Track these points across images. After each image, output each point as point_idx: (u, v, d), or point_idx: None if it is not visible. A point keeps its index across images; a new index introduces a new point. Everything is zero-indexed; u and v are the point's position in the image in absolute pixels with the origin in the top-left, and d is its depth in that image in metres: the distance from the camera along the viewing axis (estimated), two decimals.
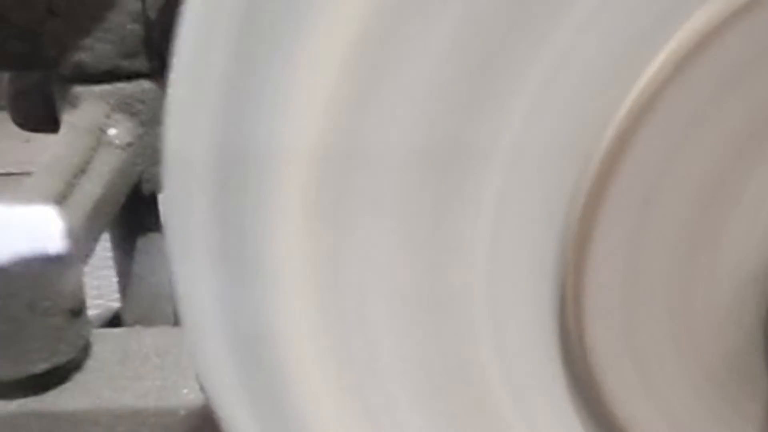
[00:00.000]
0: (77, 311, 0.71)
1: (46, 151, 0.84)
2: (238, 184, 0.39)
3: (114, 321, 1.04)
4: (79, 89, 0.87)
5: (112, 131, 0.85)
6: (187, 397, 0.70)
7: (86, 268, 0.80)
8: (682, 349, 0.44)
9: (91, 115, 0.85)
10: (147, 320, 0.93)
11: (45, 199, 0.74)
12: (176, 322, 0.45)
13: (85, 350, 0.73)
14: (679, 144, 0.40)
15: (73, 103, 0.87)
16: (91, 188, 0.78)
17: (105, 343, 0.74)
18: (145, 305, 0.95)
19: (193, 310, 0.42)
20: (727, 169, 0.41)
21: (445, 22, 0.37)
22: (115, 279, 1.00)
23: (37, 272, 0.67)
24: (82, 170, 0.79)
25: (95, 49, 0.87)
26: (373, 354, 0.43)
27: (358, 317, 0.41)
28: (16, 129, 0.99)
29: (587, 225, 0.41)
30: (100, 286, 1.48)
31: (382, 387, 0.43)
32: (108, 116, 0.85)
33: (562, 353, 0.44)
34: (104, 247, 0.95)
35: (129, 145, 0.86)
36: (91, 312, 1.20)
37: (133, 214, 0.92)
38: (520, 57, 0.38)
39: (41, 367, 0.70)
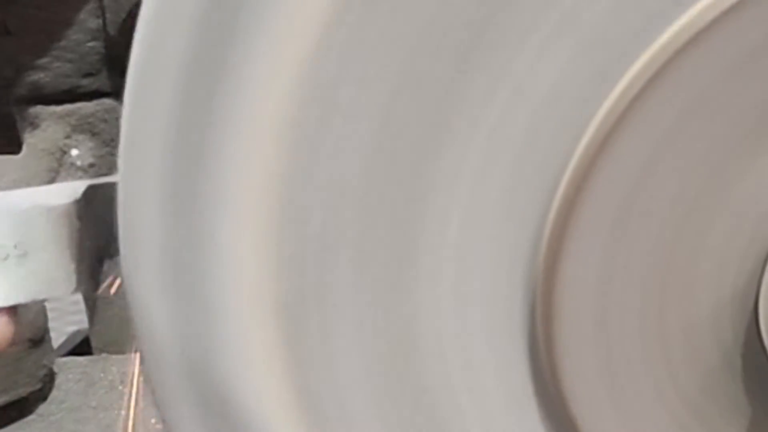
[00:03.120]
0: (38, 340, 0.69)
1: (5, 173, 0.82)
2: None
3: (83, 344, 1.02)
4: (38, 109, 0.85)
5: (73, 152, 0.83)
6: (155, 427, 0.68)
7: None
8: (657, 374, 0.43)
9: (52, 136, 0.82)
10: (115, 344, 0.91)
11: None
12: None
13: (48, 380, 0.71)
14: (650, 163, 0.39)
15: (33, 124, 0.85)
16: None
17: (69, 371, 0.72)
18: (113, 329, 0.93)
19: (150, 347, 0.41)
20: (703, 188, 0.39)
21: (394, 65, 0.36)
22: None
23: None
24: None
25: (53, 68, 0.85)
26: (341, 398, 0.41)
27: (324, 361, 0.40)
28: None
29: (556, 247, 0.40)
30: (76, 311, 1.46)
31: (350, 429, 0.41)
32: (69, 137, 0.83)
33: (534, 378, 0.43)
34: None
35: (91, 166, 0.84)
36: (65, 333, 1.19)
37: None
38: (481, 77, 0.37)
39: (2, 399, 0.68)
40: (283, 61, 0.36)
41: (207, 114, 0.37)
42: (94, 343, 0.96)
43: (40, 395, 0.72)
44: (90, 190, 0.40)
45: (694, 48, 0.37)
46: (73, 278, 0.40)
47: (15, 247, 0.39)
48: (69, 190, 0.39)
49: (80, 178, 0.83)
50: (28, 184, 0.81)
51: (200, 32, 0.36)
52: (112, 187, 0.40)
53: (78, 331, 1.13)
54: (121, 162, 0.39)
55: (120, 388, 0.71)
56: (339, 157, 0.38)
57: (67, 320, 1.47)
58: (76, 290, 0.41)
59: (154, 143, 0.38)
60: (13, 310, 0.41)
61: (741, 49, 0.37)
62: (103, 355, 0.80)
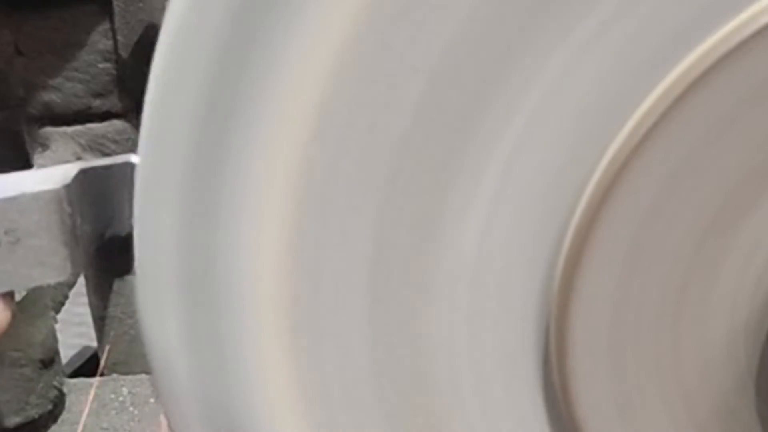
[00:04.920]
0: (48, 362, 0.69)
1: None
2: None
3: (92, 359, 1.02)
4: (49, 130, 0.85)
5: None
6: None
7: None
8: (670, 400, 0.43)
9: (61, 156, 0.83)
10: (124, 364, 0.91)
11: None
12: None
13: (58, 402, 0.71)
14: (666, 192, 0.39)
15: (43, 144, 0.85)
16: None
17: (79, 393, 0.72)
18: (122, 348, 0.93)
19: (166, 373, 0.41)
20: (717, 217, 0.39)
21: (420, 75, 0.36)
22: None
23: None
24: None
25: (65, 88, 0.85)
26: (351, 406, 0.41)
27: (340, 392, 0.40)
28: None
29: (571, 273, 0.40)
30: (81, 323, 1.46)
31: None
32: (79, 157, 0.83)
33: (546, 404, 0.43)
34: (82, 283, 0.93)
35: None
36: (70, 350, 1.19)
37: (107, 257, 0.89)
38: (500, 106, 0.37)
39: (13, 421, 0.68)
40: (306, 77, 0.36)
41: (227, 138, 0.37)
42: (103, 362, 0.96)
43: (51, 416, 0.72)
44: (81, 174, 0.39)
45: (704, 85, 0.37)
46: (68, 264, 0.40)
47: (5, 233, 0.39)
48: (59, 175, 0.39)
49: None
50: None
51: (224, 46, 0.36)
52: (105, 169, 0.40)
53: (86, 348, 1.13)
54: (137, 195, 0.39)
55: (131, 409, 0.71)
56: (355, 194, 0.38)
57: (73, 332, 1.46)
58: (70, 276, 0.40)
59: (171, 178, 0.38)
60: (7, 297, 0.41)
61: (752, 83, 0.37)
62: (114, 375, 0.80)
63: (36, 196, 0.39)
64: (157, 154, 0.38)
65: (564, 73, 0.37)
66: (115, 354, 0.94)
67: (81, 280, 0.91)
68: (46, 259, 0.40)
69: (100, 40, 0.85)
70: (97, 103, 0.86)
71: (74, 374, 0.96)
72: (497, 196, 0.38)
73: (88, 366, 1.05)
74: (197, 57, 0.36)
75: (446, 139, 0.37)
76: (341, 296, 0.39)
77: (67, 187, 0.39)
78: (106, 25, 0.83)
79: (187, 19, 0.36)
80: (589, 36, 0.36)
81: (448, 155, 0.38)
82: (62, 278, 0.40)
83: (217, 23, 0.36)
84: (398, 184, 0.38)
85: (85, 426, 0.69)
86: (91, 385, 0.74)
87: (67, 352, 1.07)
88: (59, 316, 0.80)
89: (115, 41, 0.84)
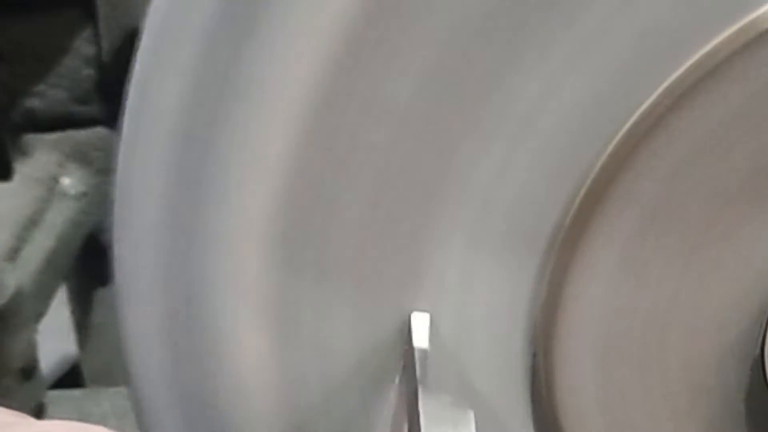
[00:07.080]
0: (29, 372, 0.68)
1: None
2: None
3: (73, 370, 1.01)
4: (30, 137, 0.84)
5: (65, 181, 0.82)
6: None
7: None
8: (659, 421, 0.43)
9: (44, 164, 0.82)
10: (106, 374, 0.90)
11: None
12: None
13: (39, 412, 0.70)
14: (654, 208, 0.39)
15: (25, 152, 0.84)
16: (44, 242, 0.76)
17: (61, 405, 0.71)
18: (104, 358, 0.92)
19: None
20: (706, 233, 0.39)
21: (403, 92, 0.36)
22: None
23: None
24: (33, 223, 0.76)
25: (47, 95, 0.84)
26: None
27: (322, 409, 0.40)
28: None
29: (558, 285, 0.39)
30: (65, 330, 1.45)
31: None
32: (61, 165, 0.82)
33: (534, 419, 0.42)
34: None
35: (83, 195, 0.83)
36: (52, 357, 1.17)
37: (89, 265, 0.89)
38: (484, 123, 0.37)
39: None
40: (292, 88, 0.36)
41: (205, 161, 0.37)
42: (85, 372, 0.95)
43: None
44: None
45: (695, 96, 0.37)
46: None
47: None
48: None
49: (72, 207, 0.82)
50: (19, 213, 0.80)
51: (202, 62, 0.36)
52: None
53: (66, 356, 1.12)
54: (115, 216, 0.39)
55: (113, 421, 0.70)
56: (340, 207, 0.37)
57: (56, 339, 1.45)
58: None
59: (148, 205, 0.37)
60: None
61: (736, 101, 0.37)
62: (95, 387, 0.79)
63: None
64: (135, 163, 0.38)
65: (563, 70, 0.36)
66: (97, 364, 0.93)
67: (64, 287, 0.90)
68: None
69: (83, 45, 0.84)
70: (80, 109, 0.85)
71: (56, 383, 0.95)
72: (487, 202, 0.38)
73: (69, 375, 1.04)
74: (179, 54, 0.36)
75: (440, 131, 0.37)
76: (323, 322, 0.39)
77: None
78: (90, 31, 0.82)
79: (170, 17, 0.36)
80: (592, 32, 0.36)
81: (435, 166, 0.38)
82: None
83: (199, 25, 0.36)
84: (384, 199, 0.38)
85: None
86: (72, 396, 0.73)
87: (48, 360, 1.05)
88: (41, 324, 0.79)
89: (99, 47, 0.83)
